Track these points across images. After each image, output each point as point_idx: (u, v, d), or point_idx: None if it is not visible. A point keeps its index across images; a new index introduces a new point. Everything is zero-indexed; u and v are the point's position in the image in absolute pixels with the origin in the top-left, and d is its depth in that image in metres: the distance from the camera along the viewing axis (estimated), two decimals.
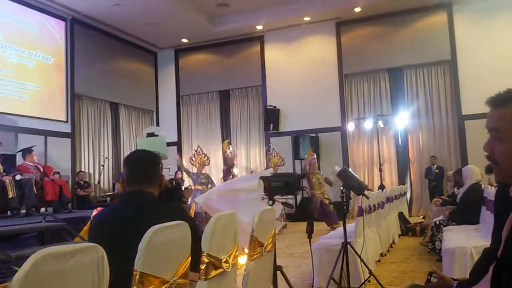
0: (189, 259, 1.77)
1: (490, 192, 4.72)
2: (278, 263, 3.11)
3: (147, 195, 2.18)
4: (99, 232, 2.07)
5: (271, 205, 2.89)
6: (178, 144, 14.24)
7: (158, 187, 2.25)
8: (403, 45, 12.03)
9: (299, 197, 11.75)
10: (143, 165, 2.22)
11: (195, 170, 9.75)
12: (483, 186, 5.75)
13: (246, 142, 13.63)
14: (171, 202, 2.54)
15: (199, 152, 10.03)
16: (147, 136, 8.32)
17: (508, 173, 1.34)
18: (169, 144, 14.16)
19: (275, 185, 2.95)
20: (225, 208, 2.69)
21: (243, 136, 13.75)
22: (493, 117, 1.34)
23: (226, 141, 10.65)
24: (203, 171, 9.71)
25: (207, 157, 10.01)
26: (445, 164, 11.55)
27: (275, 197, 2.99)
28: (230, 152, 9.78)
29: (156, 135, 8.32)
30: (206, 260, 1.87)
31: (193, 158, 10.06)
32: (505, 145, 1.30)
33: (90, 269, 1.31)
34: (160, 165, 2.29)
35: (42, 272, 1.12)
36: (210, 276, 1.87)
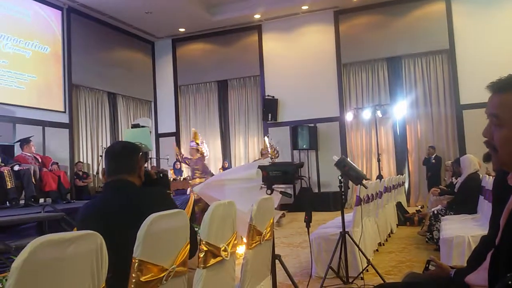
0: (188, 247, 1.77)
1: (488, 181, 4.73)
2: (276, 253, 3.12)
3: (128, 182, 2.22)
4: (88, 226, 2.07)
5: (270, 194, 2.89)
6: (176, 134, 14.24)
7: (138, 177, 2.28)
8: (401, 34, 11.98)
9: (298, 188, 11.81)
10: (122, 156, 2.26)
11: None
12: (481, 175, 5.76)
13: (245, 132, 13.63)
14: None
15: (201, 143, 10.06)
16: (132, 127, 8.39)
17: (506, 160, 1.33)
18: (167, 134, 14.24)
19: (274, 174, 2.95)
20: (222, 197, 2.70)
21: (242, 126, 13.74)
22: (493, 103, 1.33)
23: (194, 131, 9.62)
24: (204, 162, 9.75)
25: (206, 148, 10.02)
26: (443, 153, 11.57)
27: (273, 186, 2.99)
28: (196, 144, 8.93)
29: (142, 126, 8.37)
30: (205, 249, 1.88)
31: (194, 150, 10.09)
32: (505, 131, 1.30)
33: (89, 257, 1.31)
34: (141, 156, 2.32)
35: (40, 259, 1.11)
36: (209, 264, 1.88)
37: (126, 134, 8.59)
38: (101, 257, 1.35)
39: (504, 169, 1.43)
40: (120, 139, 12.71)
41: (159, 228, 1.59)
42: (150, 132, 9.38)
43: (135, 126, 8.49)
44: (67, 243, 1.21)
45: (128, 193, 2.18)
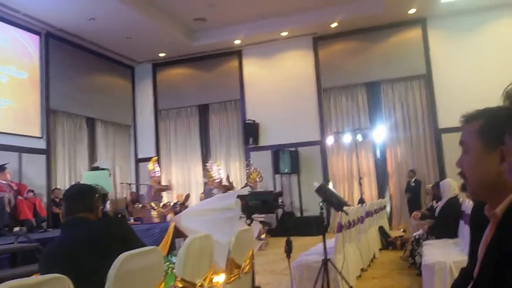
0: (162, 285, 1.71)
1: (468, 206, 4.75)
2: (258, 280, 3.06)
3: (84, 218, 2.29)
4: (53, 267, 2.04)
5: (249, 224, 2.84)
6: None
7: (95, 216, 2.37)
8: (379, 59, 12.19)
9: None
10: (78, 197, 2.36)
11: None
12: (461, 199, 5.80)
13: (226, 157, 13.56)
14: None
15: (210, 167, 10.21)
16: (91, 170, 8.42)
17: (473, 187, 1.35)
18: (147, 159, 14.02)
19: (253, 204, 2.90)
20: (201, 228, 2.64)
21: (223, 150, 13.67)
22: (462, 132, 1.40)
23: (154, 158, 9.04)
24: (216, 187, 9.81)
25: (219, 172, 10.15)
26: (423, 177, 11.67)
27: (253, 216, 2.94)
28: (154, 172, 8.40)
29: (102, 169, 8.38)
30: (180, 285, 1.81)
31: (206, 173, 10.26)
32: (469, 157, 1.34)
33: None
34: (97, 197, 2.42)
35: None
36: None
37: (85, 176, 8.68)
38: None
39: (475, 199, 1.46)
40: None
41: (130, 267, 1.53)
42: (110, 174, 9.47)
43: (95, 168, 8.52)
44: None
45: (86, 226, 2.24)
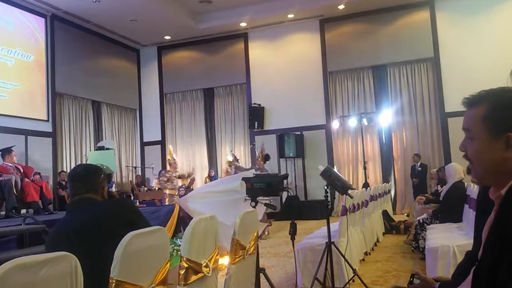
0: (168, 265, 1.73)
1: (473, 190, 4.75)
2: (263, 263, 3.09)
3: (90, 198, 2.30)
4: (59, 246, 2.06)
5: (254, 207, 2.86)
6: (161, 143, 14.13)
7: (101, 197, 2.38)
8: (386, 42, 12.08)
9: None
10: (83, 177, 2.36)
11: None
12: (466, 184, 5.79)
13: (231, 141, 13.58)
14: None
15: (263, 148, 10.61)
16: (97, 149, 8.48)
17: (480, 172, 1.35)
18: (153, 143, 14.13)
19: (258, 187, 2.91)
20: (206, 210, 2.66)
21: (228, 134, 13.69)
22: (466, 117, 1.39)
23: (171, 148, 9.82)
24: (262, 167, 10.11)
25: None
26: (428, 161, 11.65)
27: (257, 198, 2.96)
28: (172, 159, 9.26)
29: (107, 149, 8.43)
30: (186, 265, 1.83)
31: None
32: (475, 144, 1.34)
33: (63, 280, 1.26)
34: (103, 177, 2.43)
35: (11, 283, 1.08)
36: (190, 281, 1.84)
37: (90, 155, 8.69)
38: (76, 279, 1.30)
39: (481, 183, 1.46)
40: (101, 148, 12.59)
41: (137, 246, 1.55)
42: (115, 154, 9.59)
43: (100, 148, 8.56)
44: (39, 266, 1.17)
45: (92, 207, 2.24)
